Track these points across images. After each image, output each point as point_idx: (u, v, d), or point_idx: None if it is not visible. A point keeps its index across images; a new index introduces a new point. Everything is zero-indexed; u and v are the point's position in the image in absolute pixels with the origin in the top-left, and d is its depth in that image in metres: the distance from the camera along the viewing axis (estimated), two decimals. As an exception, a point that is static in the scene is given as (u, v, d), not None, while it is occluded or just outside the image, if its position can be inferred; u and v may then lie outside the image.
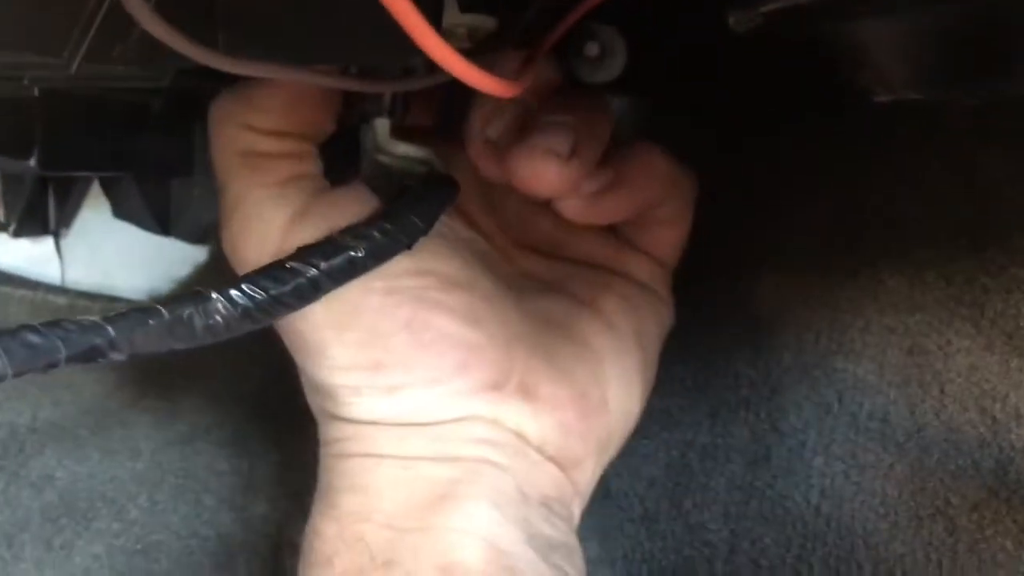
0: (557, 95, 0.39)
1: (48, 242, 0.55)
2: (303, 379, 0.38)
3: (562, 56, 0.42)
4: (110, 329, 0.28)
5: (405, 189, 0.37)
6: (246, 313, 0.31)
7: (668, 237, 0.42)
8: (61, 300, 0.54)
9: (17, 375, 0.25)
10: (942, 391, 0.40)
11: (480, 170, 0.39)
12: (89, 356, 0.27)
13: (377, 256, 0.34)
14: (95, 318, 0.28)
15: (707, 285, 0.45)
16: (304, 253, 0.33)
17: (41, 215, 0.53)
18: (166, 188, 0.52)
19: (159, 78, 0.36)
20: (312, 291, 0.33)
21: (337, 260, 0.33)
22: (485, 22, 0.35)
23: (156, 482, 0.50)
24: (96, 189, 0.54)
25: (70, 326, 0.27)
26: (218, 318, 0.31)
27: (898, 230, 0.42)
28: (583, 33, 0.42)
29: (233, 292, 0.31)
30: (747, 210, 0.46)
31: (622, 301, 0.41)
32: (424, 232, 0.35)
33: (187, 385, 0.53)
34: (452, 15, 0.35)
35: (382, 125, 0.38)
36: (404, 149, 0.38)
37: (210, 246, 0.54)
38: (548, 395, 0.38)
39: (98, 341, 0.28)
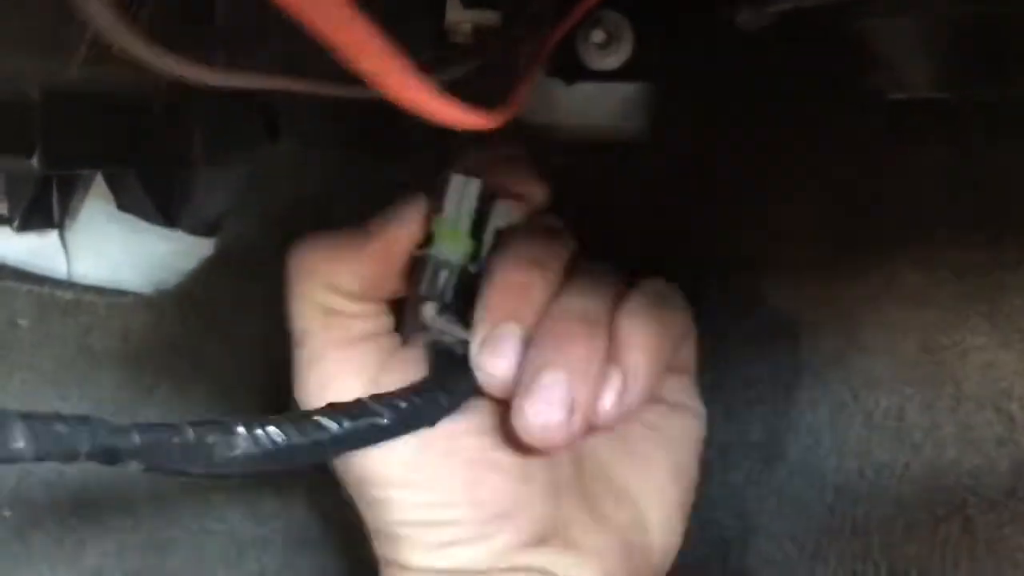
0: (556, 315, 0.38)
1: (53, 236, 0.54)
2: (366, 523, 0.39)
3: (568, 43, 0.41)
4: (136, 437, 0.28)
5: (440, 367, 0.38)
6: (266, 455, 0.32)
7: (684, 357, 0.42)
8: (67, 294, 0.54)
9: (35, 460, 0.25)
10: (958, 389, 0.39)
11: None
12: (108, 459, 0.27)
13: (400, 428, 0.35)
14: (127, 424, 0.28)
15: (720, 282, 0.45)
16: (332, 409, 0.34)
17: (45, 209, 0.53)
18: (170, 181, 0.52)
19: (158, 76, 0.35)
20: (329, 448, 0.34)
21: (361, 423, 0.34)
22: (489, 18, 0.34)
23: (165, 478, 0.50)
24: (100, 182, 0.54)
25: (99, 425, 0.27)
26: (237, 452, 0.31)
27: (912, 226, 0.41)
28: (589, 19, 0.41)
29: (258, 431, 0.31)
30: (759, 206, 0.45)
31: (655, 435, 0.41)
32: (447, 413, 0.36)
33: (197, 377, 0.53)
34: (455, 11, 0.34)
35: (429, 308, 0.39)
36: (449, 328, 0.38)
37: (217, 239, 0.54)
38: (592, 546, 0.39)
39: (121, 446, 0.28)
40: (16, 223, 0.52)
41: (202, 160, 0.47)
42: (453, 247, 0.38)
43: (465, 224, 0.38)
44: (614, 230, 0.45)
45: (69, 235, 0.55)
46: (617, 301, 0.39)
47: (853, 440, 0.41)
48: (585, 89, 0.43)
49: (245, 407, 0.52)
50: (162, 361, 0.53)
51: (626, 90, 0.45)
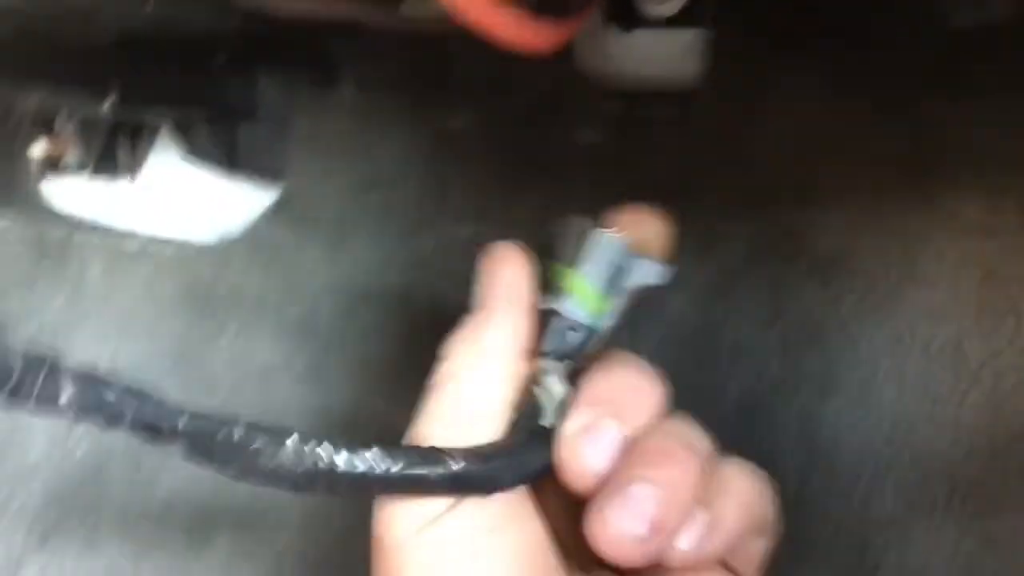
0: (661, 433, 0.35)
1: (121, 186, 0.55)
2: None
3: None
4: (180, 422, 0.27)
5: (520, 437, 0.34)
6: (307, 475, 0.29)
7: (757, 550, 0.37)
8: (133, 245, 0.56)
9: (76, 419, 0.25)
10: (1019, 319, 0.39)
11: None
12: (148, 435, 0.27)
13: (449, 488, 0.32)
14: (178, 407, 0.27)
15: (781, 217, 0.45)
16: (384, 450, 0.31)
17: (115, 158, 0.55)
18: (234, 131, 0.53)
19: (226, 20, 0.36)
20: (370, 486, 0.31)
21: (409, 472, 0.31)
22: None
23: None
24: (166, 132, 0.55)
25: (148, 399, 0.27)
26: (278, 466, 0.29)
27: (975, 157, 0.41)
28: (644, -33, 0.41)
29: (306, 447, 0.29)
30: (817, 142, 0.45)
31: None
32: (505, 489, 0.33)
33: (260, 323, 0.54)
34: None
35: (551, 366, 0.35)
36: (554, 385, 0.35)
37: (280, 188, 0.55)
38: None
39: (162, 425, 0.27)
40: (89, 169, 0.53)
41: (266, 106, 0.48)
42: (588, 307, 0.35)
43: (602, 284, 0.35)
44: (670, 171, 0.46)
45: (135, 186, 0.56)
46: (715, 451, 0.35)
47: (911, 371, 0.41)
48: (641, 37, 0.43)
49: (307, 351, 0.53)
50: (227, 307, 0.54)
51: (681, 37, 0.45)
